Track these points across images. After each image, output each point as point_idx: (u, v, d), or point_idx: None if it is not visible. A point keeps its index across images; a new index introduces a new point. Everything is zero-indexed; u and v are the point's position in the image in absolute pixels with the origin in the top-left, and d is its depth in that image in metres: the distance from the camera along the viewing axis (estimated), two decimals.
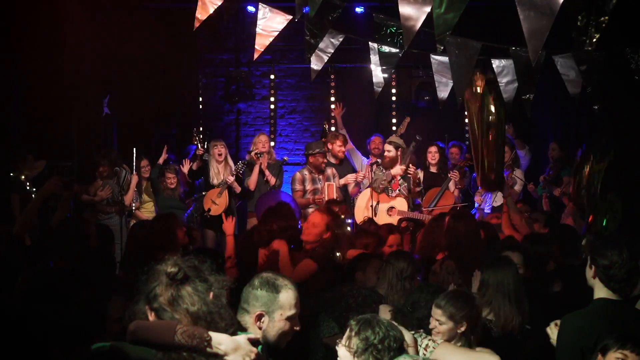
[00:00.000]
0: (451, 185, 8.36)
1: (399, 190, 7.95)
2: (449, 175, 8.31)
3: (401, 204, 7.81)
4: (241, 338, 2.51)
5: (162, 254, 4.84)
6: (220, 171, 8.50)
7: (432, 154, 8.74)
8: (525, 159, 9.51)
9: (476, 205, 8.89)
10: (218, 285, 2.61)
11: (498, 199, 8.73)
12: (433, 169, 8.70)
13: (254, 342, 2.53)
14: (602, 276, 3.29)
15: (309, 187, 7.97)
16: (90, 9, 8.85)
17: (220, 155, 8.50)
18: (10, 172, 7.83)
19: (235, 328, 2.56)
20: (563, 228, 6.25)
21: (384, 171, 8.02)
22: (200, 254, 2.73)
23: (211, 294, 2.56)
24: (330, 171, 8.15)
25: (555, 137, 9.85)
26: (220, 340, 2.44)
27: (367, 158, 9.09)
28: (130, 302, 2.57)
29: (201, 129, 9.99)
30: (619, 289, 3.29)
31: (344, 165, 8.68)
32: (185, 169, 8.71)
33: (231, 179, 8.25)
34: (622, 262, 3.24)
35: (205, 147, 8.65)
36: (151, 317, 2.54)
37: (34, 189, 7.57)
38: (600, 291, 3.31)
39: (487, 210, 8.71)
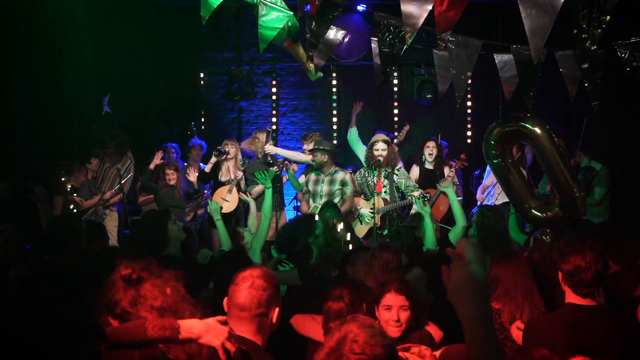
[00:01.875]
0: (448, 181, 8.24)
1: (384, 192, 7.81)
2: (447, 174, 8.16)
3: (378, 202, 7.71)
4: (210, 320, 2.55)
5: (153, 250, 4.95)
6: (230, 169, 8.48)
7: (430, 149, 8.60)
8: (527, 156, 9.50)
9: (478, 203, 8.89)
10: (173, 278, 2.65)
11: (500, 197, 8.73)
12: (429, 166, 8.60)
13: (223, 322, 2.56)
14: (568, 282, 3.19)
15: (311, 188, 7.87)
16: (91, 7, 8.84)
17: (229, 153, 8.49)
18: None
19: (200, 314, 2.59)
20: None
21: (361, 174, 7.91)
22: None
23: (168, 288, 2.61)
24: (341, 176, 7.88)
25: (557, 135, 9.84)
26: (191, 325, 2.49)
27: None
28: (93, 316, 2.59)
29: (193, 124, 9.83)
30: (589, 294, 3.17)
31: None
32: (192, 177, 8.64)
33: (240, 174, 8.25)
34: (587, 266, 3.12)
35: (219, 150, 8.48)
36: (115, 325, 2.57)
37: (75, 195, 7.72)
38: (570, 296, 3.21)
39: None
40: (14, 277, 3.97)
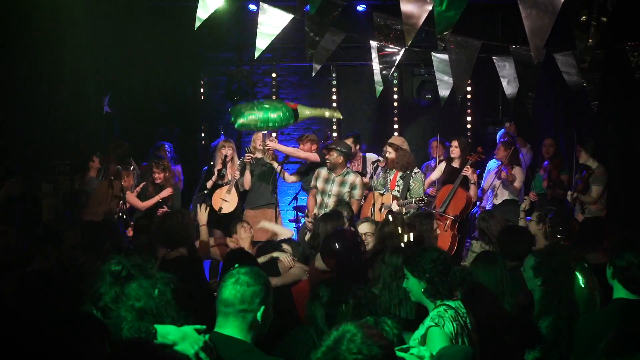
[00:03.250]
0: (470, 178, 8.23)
1: (396, 190, 7.81)
2: (463, 172, 8.17)
3: (387, 199, 7.73)
4: (188, 328, 2.55)
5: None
6: (227, 171, 8.46)
7: (453, 149, 8.50)
8: (526, 157, 9.50)
9: (478, 203, 8.89)
10: (163, 282, 2.66)
11: (499, 197, 8.73)
12: (455, 164, 8.53)
13: (200, 331, 2.56)
14: (620, 277, 3.29)
15: (320, 185, 7.86)
16: (91, 7, 8.84)
17: (226, 156, 8.45)
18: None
19: (181, 322, 2.60)
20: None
21: (384, 171, 7.94)
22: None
23: (156, 291, 2.63)
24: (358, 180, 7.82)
25: (557, 135, 9.86)
26: (167, 331, 2.49)
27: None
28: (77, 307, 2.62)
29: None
30: (637, 290, 3.27)
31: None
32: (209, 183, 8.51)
33: (238, 174, 8.25)
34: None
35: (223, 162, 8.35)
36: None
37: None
38: (619, 291, 3.32)
39: (488, 207, 8.73)
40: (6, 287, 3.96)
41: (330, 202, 7.64)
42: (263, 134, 8.50)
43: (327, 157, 7.83)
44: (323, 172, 7.86)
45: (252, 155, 8.23)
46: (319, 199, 7.83)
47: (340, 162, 7.75)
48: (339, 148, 7.80)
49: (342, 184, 7.74)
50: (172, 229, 5.15)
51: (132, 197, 7.89)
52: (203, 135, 11.37)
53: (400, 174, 7.84)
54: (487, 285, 4.00)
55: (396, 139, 8.24)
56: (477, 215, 8.74)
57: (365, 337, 2.13)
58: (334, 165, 7.75)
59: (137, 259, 2.67)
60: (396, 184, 7.82)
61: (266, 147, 8.30)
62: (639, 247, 3.27)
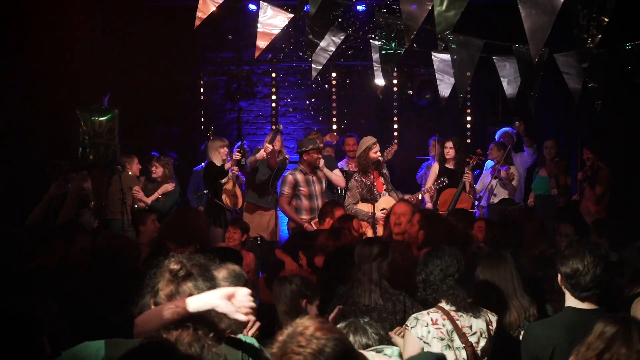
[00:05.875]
0: (467, 185, 8.16)
1: (385, 191, 7.69)
2: (464, 177, 8.08)
3: (387, 202, 7.57)
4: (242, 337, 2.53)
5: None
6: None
7: (448, 150, 8.37)
8: (532, 157, 9.43)
9: (477, 203, 8.88)
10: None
11: (496, 196, 8.72)
12: (450, 165, 8.42)
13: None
14: (566, 285, 3.18)
15: (303, 189, 7.69)
16: (91, 7, 8.83)
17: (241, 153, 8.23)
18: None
19: (233, 328, 2.58)
20: None
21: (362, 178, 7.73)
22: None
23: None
24: (320, 173, 7.81)
25: (558, 136, 9.83)
26: (200, 298, 2.46)
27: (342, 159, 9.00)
28: (139, 296, 2.60)
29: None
30: (588, 297, 3.15)
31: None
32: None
33: (236, 169, 8.01)
34: (585, 270, 3.10)
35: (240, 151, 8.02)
36: None
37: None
38: (569, 300, 3.21)
39: (483, 204, 8.75)
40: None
41: (320, 202, 7.57)
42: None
43: (317, 157, 7.66)
44: (299, 176, 7.67)
45: (238, 157, 7.86)
46: (304, 202, 7.71)
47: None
48: (315, 146, 7.70)
49: (320, 180, 7.76)
50: (185, 226, 5.15)
51: (140, 193, 7.88)
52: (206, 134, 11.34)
53: (379, 174, 7.69)
54: (497, 285, 3.92)
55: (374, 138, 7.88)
56: (476, 216, 8.76)
57: (316, 330, 2.14)
58: (317, 165, 7.73)
59: (200, 259, 2.63)
60: (382, 182, 7.68)
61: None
62: (583, 253, 3.14)
